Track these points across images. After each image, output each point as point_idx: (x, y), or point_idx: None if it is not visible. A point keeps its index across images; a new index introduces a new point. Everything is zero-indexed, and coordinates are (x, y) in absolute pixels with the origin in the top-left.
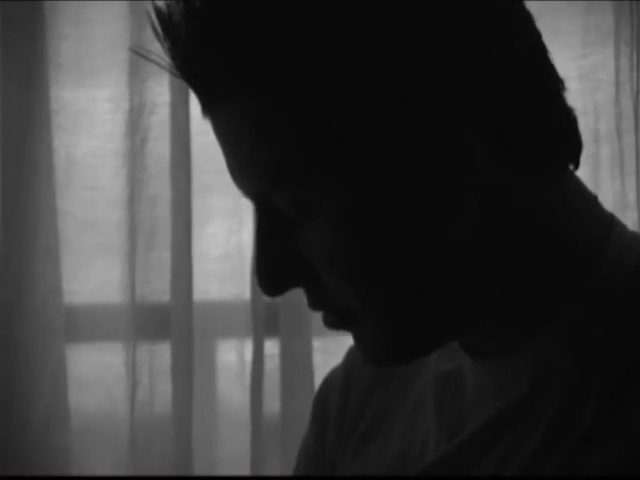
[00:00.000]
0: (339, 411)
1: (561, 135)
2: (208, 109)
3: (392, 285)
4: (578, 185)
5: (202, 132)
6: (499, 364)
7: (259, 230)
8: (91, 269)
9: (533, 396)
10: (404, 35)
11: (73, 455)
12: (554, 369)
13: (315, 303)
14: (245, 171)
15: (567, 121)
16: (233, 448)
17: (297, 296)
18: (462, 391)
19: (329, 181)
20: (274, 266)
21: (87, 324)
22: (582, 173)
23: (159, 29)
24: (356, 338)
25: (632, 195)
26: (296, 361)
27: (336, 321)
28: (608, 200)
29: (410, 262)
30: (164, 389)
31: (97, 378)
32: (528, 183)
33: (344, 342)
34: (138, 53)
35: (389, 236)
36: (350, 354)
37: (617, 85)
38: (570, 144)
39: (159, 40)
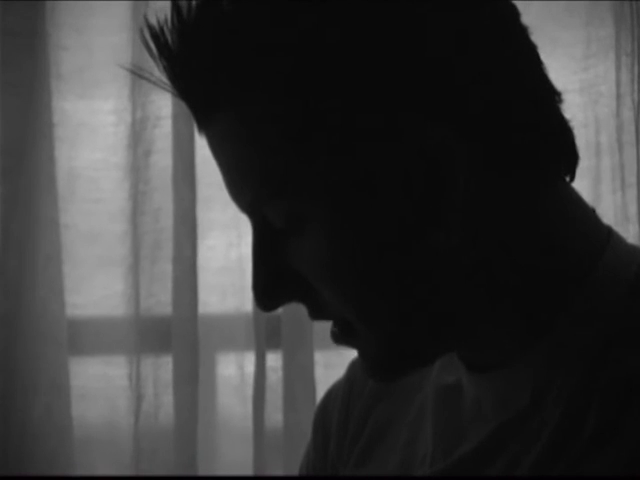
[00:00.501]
0: (341, 424)
1: (554, 144)
2: (203, 124)
3: (384, 298)
4: (574, 196)
5: (203, 146)
6: (497, 377)
7: (253, 244)
8: (94, 282)
9: (534, 408)
10: (389, 45)
11: (77, 467)
12: (554, 381)
13: (314, 314)
14: (238, 184)
15: (561, 131)
16: (236, 460)
17: (299, 309)
18: (462, 405)
19: (319, 194)
20: (268, 280)
21: (90, 336)
22: (583, 185)
23: (153, 48)
24: (358, 352)
25: (633, 208)
26: (298, 374)
27: (339, 333)
28: (609, 213)
29: (400, 274)
30: (168, 401)
31: (100, 390)
32: (522, 193)
33: (346, 355)
34: (136, 73)
35: (376, 249)
36: (352, 367)
37: (618, 97)
38: (564, 154)
39: (153, 59)
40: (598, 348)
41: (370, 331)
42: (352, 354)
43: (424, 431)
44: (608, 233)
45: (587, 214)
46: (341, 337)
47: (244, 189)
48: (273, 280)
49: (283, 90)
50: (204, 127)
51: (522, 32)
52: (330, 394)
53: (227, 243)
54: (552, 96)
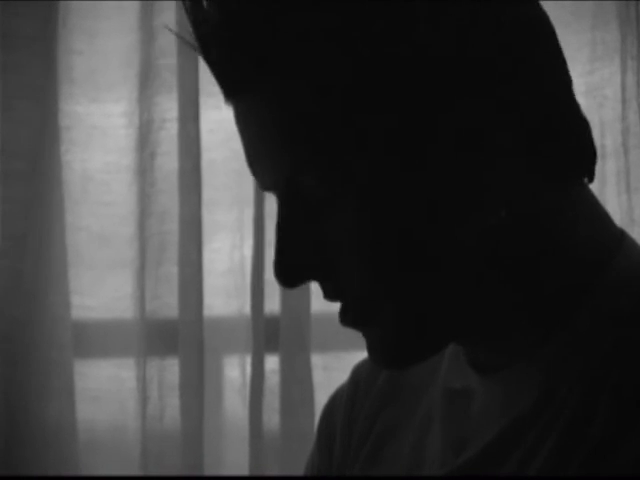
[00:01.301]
0: (345, 428)
1: (580, 142)
2: (235, 94)
3: (417, 273)
4: (592, 198)
5: (208, 148)
6: (507, 377)
7: (281, 219)
8: (103, 284)
9: (542, 407)
10: (442, 23)
11: (83, 469)
12: (564, 379)
13: (333, 293)
14: (275, 154)
15: (585, 132)
16: (240, 462)
17: (298, 311)
18: (470, 408)
19: (360, 162)
20: (293, 254)
21: (98, 339)
22: None
23: (191, 15)
24: (370, 336)
25: (638, 211)
26: (296, 377)
27: (357, 314)
28: (615, 216)
29: (435, 251)
30: (174, 404)
31: (109, 393)
32: (547, 190)
33: (345, 358)
34: (179, 36)
35: (416, 221)
36: (357, 370)
37: (623, 101)
38: (587, 156)
39: (192, 26)
40: (609, 347)
41: (395, 308)
42: (351, 356)
43: (432, 434)
44: (621, 235)
45: (602, 215)
46: (359, 318)
47: (282, 158)
48: (299, 254)
49: (329, 60)
50: (234, 97)
51: (554, 34)
52: (334, 398)
53: (231, 245)
54: (574, 96)
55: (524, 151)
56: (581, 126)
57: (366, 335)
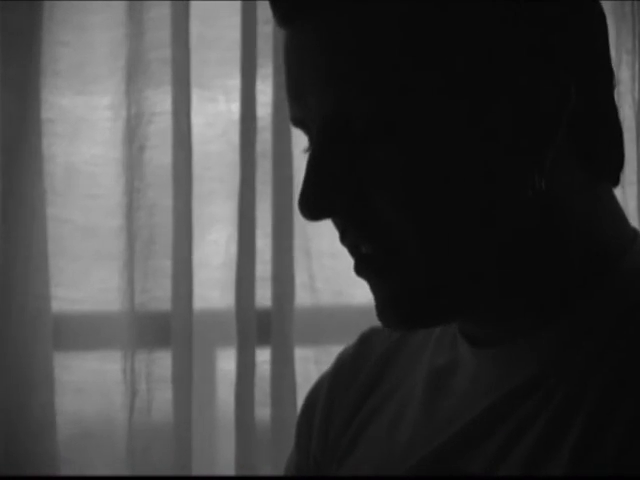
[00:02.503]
0: (323, 421)
1: (620, 149)
2: (293, 20)
3: (450, 222)
4: (614, 197)
5: (204, 142)
6: (502, 353)
7: (315, 153)
8: (88, 277)
9: (535, 386)
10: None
11: (71, 463)
12: (560, 361)
13: (357, 235)
14: (325, 84)
15: (622, 137)
16: (231, 455)
17: (289, 302)
18: (455, 385)
19: (419, 101)
20: (325, 184)
21: (82, 332)
22: None
23: None
24: (384, 289)
25: (633, 204)
26: (286, 369)
27: (377, 263)
28: None
29: (474, 207)
30: (162, 397)
31: (96, 385)
32: (582, 179)
33: (336, 352)
34: None
35: (465, 171)
36: (339, 359)
37: (618, 95)
38: (620, 158)
39: None
40: (606, 338)
41: (420, 255)
42: (339, 350)
43: (411, 414)
44: (634, 234)
45: (620, 215)
46: (383, 266)
47: (334, 85)
48: (330, 185)
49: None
50: (291, 24)
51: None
52: (314, 390)
53: (228, 237)
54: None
55: (575, 142)
56: (621, 133)
57: (380, 287)
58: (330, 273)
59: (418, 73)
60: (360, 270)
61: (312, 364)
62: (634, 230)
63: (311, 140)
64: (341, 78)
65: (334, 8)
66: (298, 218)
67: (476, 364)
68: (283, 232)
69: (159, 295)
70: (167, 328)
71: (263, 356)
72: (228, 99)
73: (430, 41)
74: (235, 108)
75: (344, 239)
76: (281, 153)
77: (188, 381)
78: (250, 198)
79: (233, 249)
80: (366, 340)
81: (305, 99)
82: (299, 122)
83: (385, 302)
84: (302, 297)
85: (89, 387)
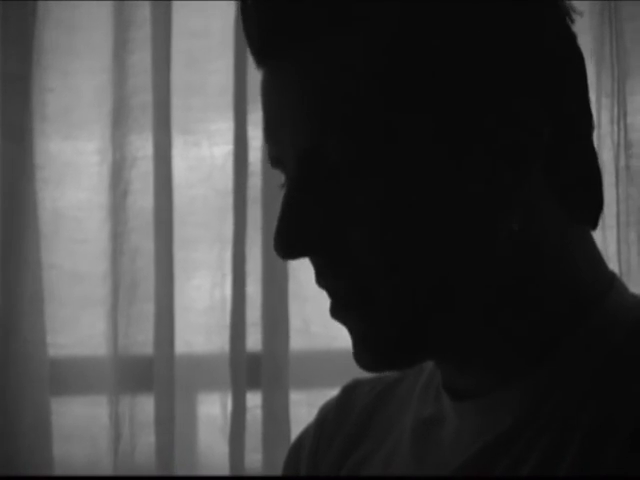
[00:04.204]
0: (309, 471)
1: (599, 192)
2: (268, 60)
3: (422, 262)
4: (592, 240)
5: (185, 185)
6: (482, 405)
7: (289, 191)
8: (77, 322)
9: (514, 436)
10: (496, 26)
11: None
12: (540, 410)
13: (329, 273)
14: (299, 120)
15: (601, 180)
16: None
17: (280, 348)
18: (441, 437)
19: (395, 138)
20: (298, 223)
21: (72, 376)
22: None
23: None
24: (359, 328)
25: (612, 248)
26: (277, 414)
27: (350, 300)
28: None
29: (448, 243)
30: (146, 441)
31: (82, 430)
32: (560, 222)
33: (329, 395)
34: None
35: (440, 209)
36: (322, 411)
37: (598, 138)
38: (601, 203)
39: None
40: (588, 383)
41: (392, 294)
42: (335, 393)
43: (398, 465)
44: (612, 278)
45: (598, 258)
46: (355, 302)
47: (309, 122)
48: (303, 224)
49: (371, 27)
50: (266, 64)
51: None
52: (298, 441)
53: (212, 283)
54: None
55: (553, 184)
56: (599, 176)
57: (354, 328)
58: (327, 317)
59: (394, 111)
60: (335, 311)
61: (305, 407)
62: (612, 273)
63: (287, 177)
64: (315, 115)
65: (307, 47)
66: (291, 263)
67: (459, 417)
68: (274, 277)
69: (141, 339)
70: (150, 372)
71: (255, 401)
72: (211, 143)
73: (407, 79)
74: (218, 152)
75: (320, 279)
76: (271, 197)
77: (170, 425)
78: (241, 243)
79: (218, 294)
80: (349, 392)
81: (281, 137)
82: (276, 161)
83: (359, 343)
84: (293, 342)
85: (77, 432)
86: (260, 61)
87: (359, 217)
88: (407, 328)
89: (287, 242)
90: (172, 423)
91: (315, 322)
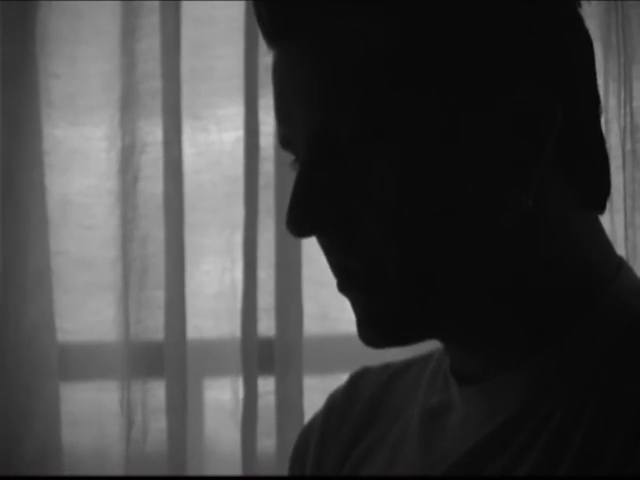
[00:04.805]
0: (316, 462)
1: (607, 177)
2: (279, 40)
3: (435, 240)
4: (599, 225)
5: (195, 171)
6: (489, 388)
7: (303, 167)
8: (86, 308)
9: (525, 418)
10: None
11: None
12: (546, 395)
13: (341, 252)
14: (311, 100)
15: (608, 165)
16: None
17: (293, 334)
18: (449, 424)
19: (406, 116)
20: (310, 202)
21: (81, 362)
22: None
23: None
24: (365, 306)
25: (620, 232)
26: (291, 400)
27: (360, 279)
28: None
29: (459, 223)
30: (157, 427)
31: (92, 416)
32: (569, 206)
33: (341, 380)
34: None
35: (452, 186)
36: (330, 399)
37: (605, 122)
38: (609, 188)
39: None
40: (595, 368)
41: (406, 276)
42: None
43: (406, 452)
44: (619, 263)
45: (605, 243)
46: (365, 282)
47: (320, 101)
48: (315, 202)
49: (386, 9)
50: (279, 44)
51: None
52: (306, 430)
53: (222, 268)
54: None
55: (562, 167)
56: (607, 160)
57: (361, 304)
58: (344, 302)
59: (406, 90)
60: (343, 287)
61: (318, 393)
62: (619, 258)
63: (298, 158)
64: (327, 94)
65: (319, 26)
66: (306, 249)
67: (466, 403)
68: (287, 262)
69: (152, 325)
70: (160, 358)
71: (266, 386)
72: (220, 129)
73: (418, 57)
74: (227, 138)
75: (329, 255)
76: (283, 183)
77: (182, 411)
78: (253, 228)
79: (228, 279)
80: (357, 379)
81: (292, 117)
82: (287, 142)
83: (364, 320)
84: (310, 326)
85: (87, 418)
86: (271, 41)
87: (370, 196)
88: (414, 305)
89: (300, 219)
90: (183, 409)
91: (333, 307)
